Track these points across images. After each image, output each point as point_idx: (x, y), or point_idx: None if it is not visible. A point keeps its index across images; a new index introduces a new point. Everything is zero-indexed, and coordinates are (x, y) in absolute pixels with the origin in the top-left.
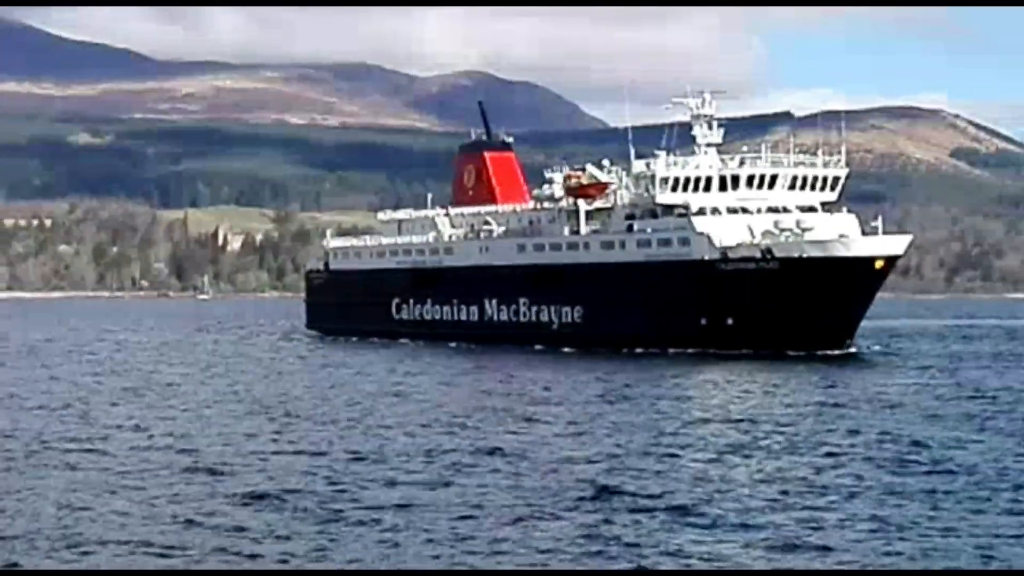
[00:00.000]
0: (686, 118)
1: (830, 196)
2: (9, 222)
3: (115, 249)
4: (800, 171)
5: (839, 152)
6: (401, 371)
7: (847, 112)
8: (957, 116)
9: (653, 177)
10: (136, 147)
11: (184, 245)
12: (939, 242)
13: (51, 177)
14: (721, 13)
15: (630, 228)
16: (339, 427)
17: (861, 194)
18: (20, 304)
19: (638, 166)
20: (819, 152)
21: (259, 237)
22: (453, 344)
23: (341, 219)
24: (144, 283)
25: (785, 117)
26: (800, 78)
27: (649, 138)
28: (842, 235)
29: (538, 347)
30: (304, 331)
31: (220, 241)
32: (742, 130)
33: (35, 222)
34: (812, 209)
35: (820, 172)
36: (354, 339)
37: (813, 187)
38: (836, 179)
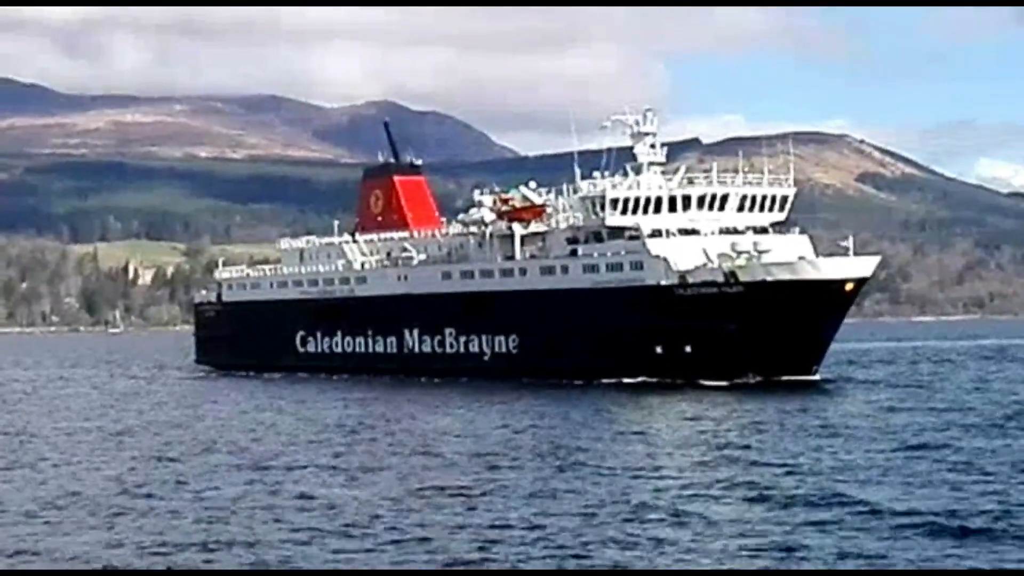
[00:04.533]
0: (600, 146)
1: (779, 216)
2: None
3: (25, 285)
4: (750, 190)
5: (787, 171)
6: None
7: (753, 138)
8: (862, 141)
9: (602, 198)
10: (44, 182)
11: (95, 279)
12: None
13: None
14: (622, 39)
15: (574, 252)
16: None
17: None
18: None
19: (584, 187)
20: (764, 171)
21: (170, 270)
22: (367, 377)
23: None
24: (55, 318)
25: (693, 144)
26: (705, 105)
27: (561, 165)
28: (800, 256)
29: (466, 379)
30: (194, 366)
31: (131, 275)
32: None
33: None
34: (764, 230)
35: (769, 191)
36: (251, 374)
37: (762, 207)
38: (784, 198)
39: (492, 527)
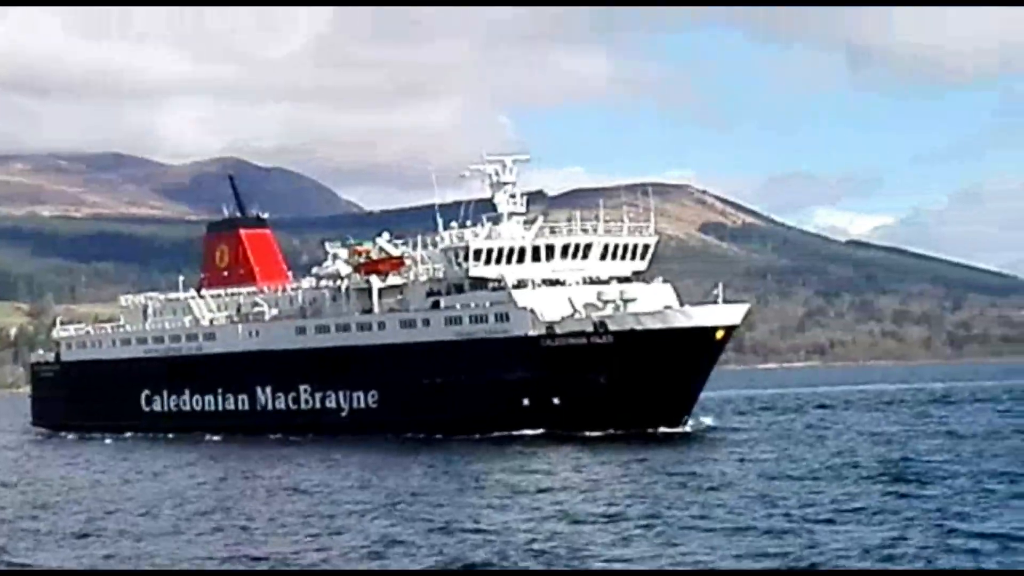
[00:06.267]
0: (444, 199)
1: (641, 265)
2: None
3: None
4: (612, 239)
5: (647, 220)
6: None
7: (595, 190)
8: (704, 191)
9: (465, 249)
10: None
11: None
12: None
13: None
14: (464, 91)
15: (436, 305)
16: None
17: None
18: None
19: (446, 238)
20: (625, 220)
21: (13, 331)
22: (217, 437)
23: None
24: None
25: (538, 196)
26: (549, 157)
27: (405, 219)
28: (667, 305)
29: (319, 437)
30: (29, 428)
31: None
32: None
33: None
34: (627, 279)
35: (631, 240)
36: (88, 435)
37: (624, 256)
38: (646, 247)
39: None
